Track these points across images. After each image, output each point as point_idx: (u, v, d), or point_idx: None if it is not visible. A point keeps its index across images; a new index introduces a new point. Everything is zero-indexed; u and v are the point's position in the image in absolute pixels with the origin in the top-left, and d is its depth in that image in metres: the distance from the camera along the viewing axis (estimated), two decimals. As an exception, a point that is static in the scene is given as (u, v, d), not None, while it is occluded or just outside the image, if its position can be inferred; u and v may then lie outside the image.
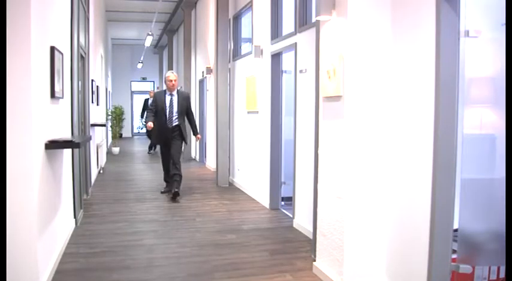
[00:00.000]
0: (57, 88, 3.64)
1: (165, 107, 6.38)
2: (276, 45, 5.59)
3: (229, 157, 7.87)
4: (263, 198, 6.12)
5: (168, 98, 6.42)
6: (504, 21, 2.28)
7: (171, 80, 6.41)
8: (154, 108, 6.45)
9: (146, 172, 9.54)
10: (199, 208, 5.87)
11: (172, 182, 6.37)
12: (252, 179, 6.65)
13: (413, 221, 2.85)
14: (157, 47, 19.95)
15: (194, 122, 6.78)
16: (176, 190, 6.27)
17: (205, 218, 5.34)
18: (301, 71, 4.81)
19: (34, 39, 2.86)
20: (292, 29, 5.08)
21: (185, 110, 6.49)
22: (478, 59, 2.67)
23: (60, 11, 4.16)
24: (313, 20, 4.43)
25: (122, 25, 15.74)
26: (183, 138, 6.47)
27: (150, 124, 6.29)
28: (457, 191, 2.61)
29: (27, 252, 2.85)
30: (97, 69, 8.85)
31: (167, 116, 6.37)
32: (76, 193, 4.81)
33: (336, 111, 3.24)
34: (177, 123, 6.38)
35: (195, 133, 6.77)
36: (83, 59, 5.97)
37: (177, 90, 6.52)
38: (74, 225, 4.72)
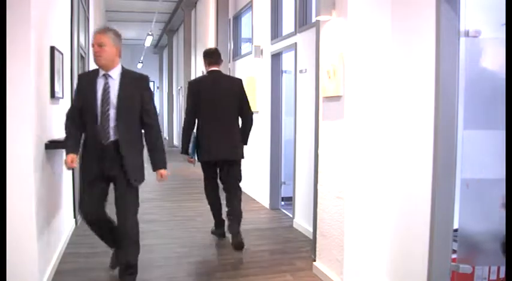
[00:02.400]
0: (57, 88, 3.64)
1: (96, 102, 3.03)
2: (276, 45, 5.59)
3: (229, 157, 7.86)
4: (263, 198, 6.11)
5: (101, 83, 3.05)
6: (504, 21, 2.28)
7: (96, 45, 3.00)
8: (78, 108, 3.13)
9: (146, 171, 9.52)
10: (199, 208, 5.86)
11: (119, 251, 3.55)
12: (252, 179, 6.64)
13: (414, 221, 2.85)
14: (157, 47, 19.95)
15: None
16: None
17: (206, 218, 5.34)
18: (301, 71, 4.81)
19: (34, 39, 2.86)
20: (292, 29, 5.08)
21: (138, 110, 3.14)
22: (478, 59, 2.66)
23: (60, 11, 4.16)
24: (313, 20, 4.43)
25: (122, 25, 15.71)
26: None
27: (72, 157, 3.04)
28: (457, 191, 2.60)
29: (27, 252, 2.85)
30: (97, 69, 8.84)
31: (99, 120, 3.03)
32: (76, 193, 4.80)
33: (336, 111, 3.23)
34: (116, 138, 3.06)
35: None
36: (83, 59, 5.97)
37: (123, 68, 3.15)
38: (74, 225, 4.72)
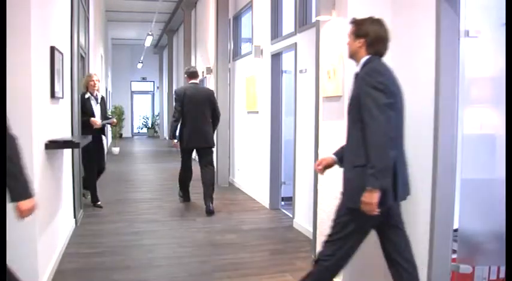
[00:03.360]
0: (57, 88, 3.64)
1: None
2: (276, 45, 5.59)
3: (229, 157, 7.87)
4: (263, 198, 6.11)
5: None
6: (504, 21, 2.28)
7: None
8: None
9: (146, 172, 9.54)
10: (199, 207, 5.86)
11: None
12: (252, 179, 6.65)
13: (414, 221, 2.84)
14: (157, 47, 19.95)
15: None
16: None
17: (205, 218, 5.34)
18: (301, 71, 4.81)
19: (34, 39, 2.86)
20: (292, 29, 5.08)
21: None
22: (478, 59, 2.67)
23: (60, 11, 4.16)
24: (313, 20, 4.43)
25: (122, 25, 15.74)
26: None
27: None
28: (457, 191, 2.60)
29: (27, 252, 2.85)
30: (97, 69, 8.85)
31: None
32: (76, 193, 4.81)
33: (336, 111, 3.23)
34: None
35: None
36: (83, 59, 5.97)
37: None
38: (74, 225, 4.72)
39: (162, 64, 19.86)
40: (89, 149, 5.25)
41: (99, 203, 5.77)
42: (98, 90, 5.67)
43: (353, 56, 2.47)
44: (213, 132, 5.83)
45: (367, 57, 2.39)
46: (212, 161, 5.81)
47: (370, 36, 2.38)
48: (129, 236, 4.59)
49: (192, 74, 5.87)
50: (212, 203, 5.52)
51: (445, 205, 2.60)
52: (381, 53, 2.41)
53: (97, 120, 5.47)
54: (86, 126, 5.35)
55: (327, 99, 3.38)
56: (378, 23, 2.44)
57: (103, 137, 5.95)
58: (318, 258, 2.56)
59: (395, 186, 2.30)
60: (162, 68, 20.01)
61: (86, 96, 5.47)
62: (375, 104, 2.19)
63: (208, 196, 5.51)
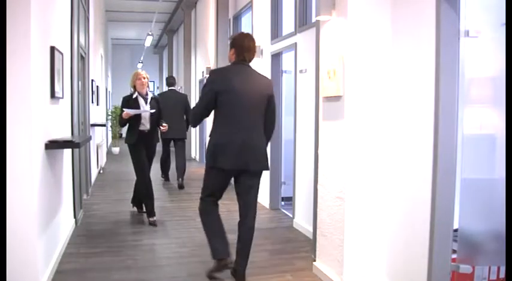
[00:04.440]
0: (57, 88, 3.64)
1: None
2: (276, 45, 5.59)
3: (229, 157, 7.87)
4: (263, 198, 6.11)
5: None
6: (504, 21, 2.28)
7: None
8: None
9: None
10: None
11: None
12: (252, 179, 6.64)
13: (414, 221, 2.85)
14: (157, 47, 19.95)
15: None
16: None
17: (205, 218, 5.33)
18: (301, 71, 4.81)
19: (34, 39, 2.86)
20: (292, 29, 5.08)
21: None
22: (478, 59, 2.67)
23: (60, 11, 4.16)
24: (313, 20, 4.43)
25: (121, 25, 15.74)
26: None
27: None
28: (457, 191, 2.60)
29: (27, 252, 2.85)
30: (97, 69, 8.85)
31: None
32: (76, 193, 4.81)
33: (336, 111, 3.24)
34: None
35: None
36: (83, 59, 5.97)
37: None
38: (74, 225, 4.72)
39: (162, 64, 19.86)
40: (136, 155, 4.97)
41: (151, 219, 5.04)
42: (148, 87, 5.12)
43: (229, 61, 3.26)
44: (187, 127, 7.54)
45: (232, 62, 3.21)
46: (184, 150, 7.69)
47: (237, 47, 3.16)
48: (129, 236, 4.59)
49: (170, 84, 7.94)
50: (183, 180, 7.36)
51: (445, 205, 2.60)
52: (245, 60, 3.19)
53: (129, 112, 4.80)
54: (130, 128, 4.95)
55: (326, 99, 3.38)
56: (245, 37, 3.21)
57: (154, 140, 5.22)
58: None
59: (216, 155, 3.10)
60: (162, 68, 20.01)
61: (134, 96, 5.00)
62: (200, 96, 3.21)
63: (179, 175, 7.38)
